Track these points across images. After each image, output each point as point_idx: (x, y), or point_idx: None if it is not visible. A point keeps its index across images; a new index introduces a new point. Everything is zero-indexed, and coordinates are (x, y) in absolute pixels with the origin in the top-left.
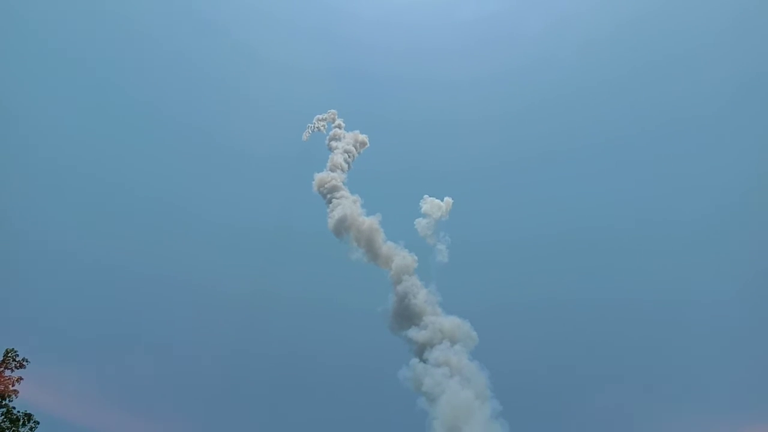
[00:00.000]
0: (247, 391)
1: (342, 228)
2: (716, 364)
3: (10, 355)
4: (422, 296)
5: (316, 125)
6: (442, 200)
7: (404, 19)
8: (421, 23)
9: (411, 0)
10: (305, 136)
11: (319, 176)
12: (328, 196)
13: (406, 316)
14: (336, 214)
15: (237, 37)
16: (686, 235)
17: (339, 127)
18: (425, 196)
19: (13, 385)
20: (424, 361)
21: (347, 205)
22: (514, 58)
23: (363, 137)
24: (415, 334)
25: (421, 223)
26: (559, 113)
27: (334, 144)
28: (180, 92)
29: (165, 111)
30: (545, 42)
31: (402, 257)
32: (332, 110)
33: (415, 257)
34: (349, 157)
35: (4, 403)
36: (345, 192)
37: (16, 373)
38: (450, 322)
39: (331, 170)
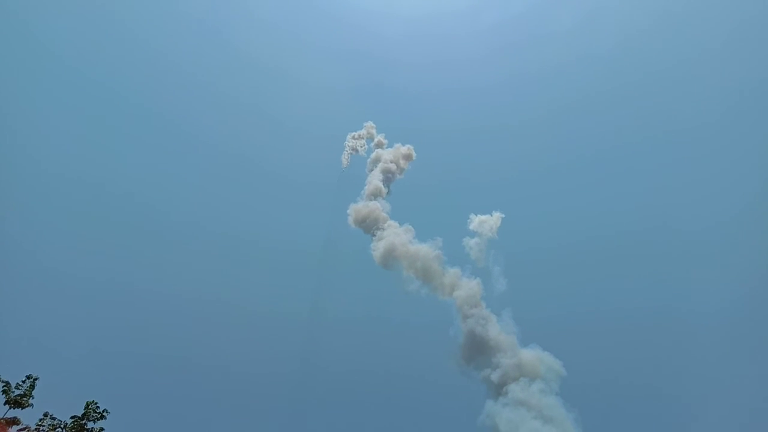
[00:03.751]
0: (310, 407)
1: (390, 259)
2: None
3: (90, 407)
4: (494, 329)
5: (353, 145)
6: (487, 214)
7: (429, 31)
8: (446, 34)
9: (433, 12)
10: (344, 161)
11: (355, 208)
12: (373, 229)
13: (477, 352)
14: (381, 245)
15: (265, 60)
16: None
17: (380, 144)
18: (472, 214)
19: None
20: (503, 404)
21: (394, 233)
22: (545, 58)
23: (407, 149)
24: (489, 373)
25: (471, 244)
26: (600, 111)
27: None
28: (215, 119)
29: (204, 138)
30: (577, 39)
31: (466, 288)
32: (369, 123)
33: (480, 284)
34: (388, 178)
35: None
36: (391, 222)
37: (98, 425)
38: (529, 356)
39: (369, 199)
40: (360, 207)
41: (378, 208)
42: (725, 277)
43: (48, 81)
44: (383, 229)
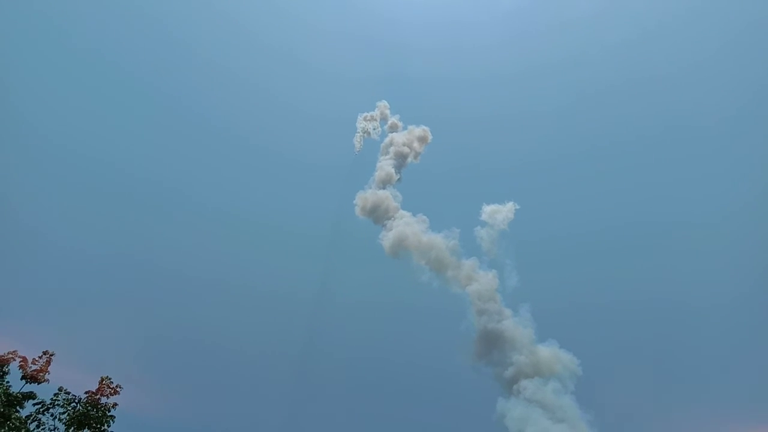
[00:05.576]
0: (312, 391)
1: (400, 249)
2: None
3: (105, 382)
4: (509, 325)
5: (365, 127)
6: (501, 203)
7: (444, 18)
8: (462, 20)
9: None
10: (357, 145)
11: (362, 197)
12: (383, 219)
13: (491, 348)
14: (392, 235)
15: (278, 46)
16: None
17: (394, 127)
18: (484, 204)
19: (109, 411)
20: (514, 403)
21: (405, 223)
22: (564, 46)
23: (422, 131)
24: (502, 371)
25: (482, 235)
26: (618, 101)
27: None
28: (226, 104)
29: (215, 121)
30: (598, 26)
31: (481, 281)
32: (383, 102)
33: (496, 276)
34: (400, 163)
35: (103, 429)
36: (402, 212)
37: (111, 400)
38: (545, 353)
39: (378, 186)
40: (368, 195)
41: (388, 197)
42: (756, 266)
43: (64, 65)
44: (393, 219)
